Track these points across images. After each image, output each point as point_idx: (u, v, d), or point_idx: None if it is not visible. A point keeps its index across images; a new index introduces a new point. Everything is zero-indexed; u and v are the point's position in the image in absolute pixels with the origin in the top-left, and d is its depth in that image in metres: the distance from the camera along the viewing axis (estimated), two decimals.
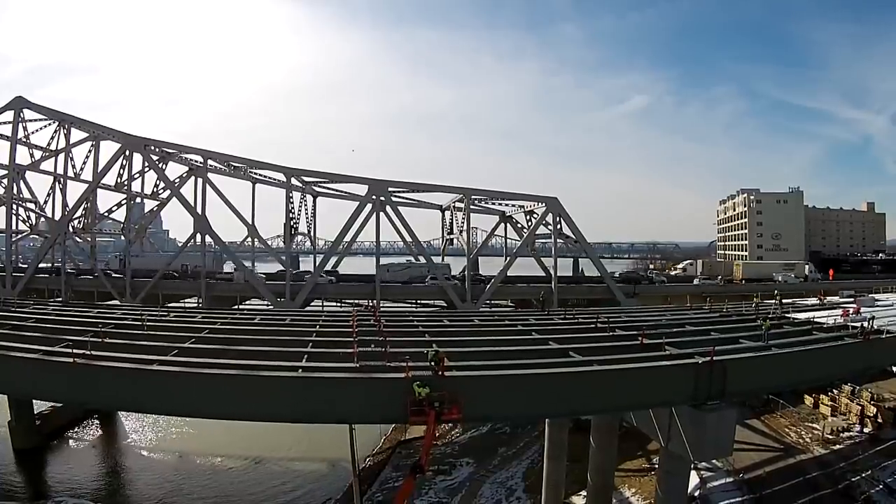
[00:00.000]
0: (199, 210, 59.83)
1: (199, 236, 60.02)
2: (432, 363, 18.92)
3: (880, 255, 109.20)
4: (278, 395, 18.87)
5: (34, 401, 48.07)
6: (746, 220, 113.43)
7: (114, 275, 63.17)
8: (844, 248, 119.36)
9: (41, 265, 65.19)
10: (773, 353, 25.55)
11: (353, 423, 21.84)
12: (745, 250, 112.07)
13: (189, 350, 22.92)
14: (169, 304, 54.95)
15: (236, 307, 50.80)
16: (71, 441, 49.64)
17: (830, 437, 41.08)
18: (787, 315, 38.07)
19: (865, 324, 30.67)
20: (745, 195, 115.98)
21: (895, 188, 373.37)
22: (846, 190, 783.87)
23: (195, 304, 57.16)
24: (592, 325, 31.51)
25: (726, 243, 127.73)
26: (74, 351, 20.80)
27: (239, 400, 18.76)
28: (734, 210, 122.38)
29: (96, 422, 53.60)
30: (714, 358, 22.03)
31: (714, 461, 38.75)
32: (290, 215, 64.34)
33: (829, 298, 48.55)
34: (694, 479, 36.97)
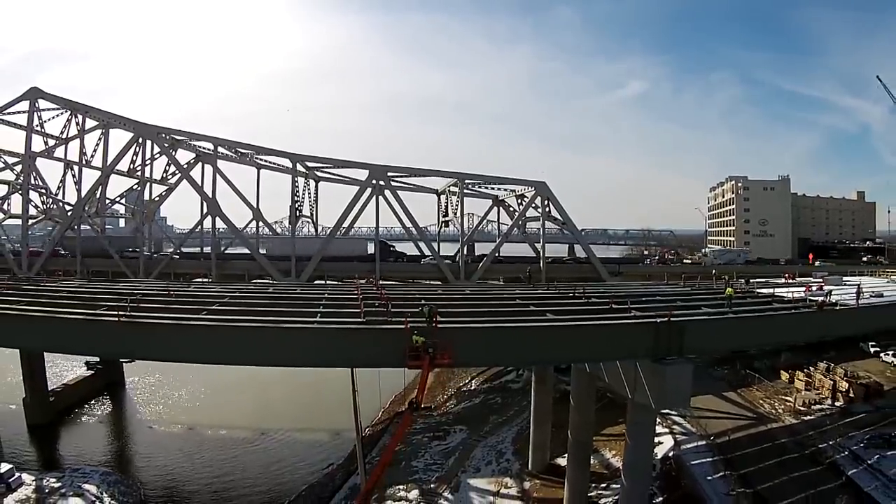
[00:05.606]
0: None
1: (209, 219, 63.17)
2: (427, 317, 22.43)
3: (868, 242, 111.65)
4: (298, 343, 22.54)
5: (48, 378, 51.51)
6: (734, 206, 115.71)
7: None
8: (834, 235, 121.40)
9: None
10: (728, 316, 28.96)
11: (359, 366, 25.49)
12: (733, 236, 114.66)
13: (216, 311, 26.27)
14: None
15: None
16: (83, 416, 52.50)
17: (802, 408, 44.29)
18: (753, 291, 41.12)
19: (822, 298, 33.95)
20: (733, 182, 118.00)
21: (892, 178, 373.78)
22: (844, 179, 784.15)
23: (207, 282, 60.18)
24: (571, 295, 35.00)
25: (715, 229, 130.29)
26: (118, 312, 24.13)
27: (265, 347, 22.42)
28: (723, 197, 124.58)
29: (107, 398, 56.59)
30: (672, 319, 25.52)
31: (688, 426, 42.58)
32: (295, 198, 67.55)
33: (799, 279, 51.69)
34: (669, 441, 40.64)
